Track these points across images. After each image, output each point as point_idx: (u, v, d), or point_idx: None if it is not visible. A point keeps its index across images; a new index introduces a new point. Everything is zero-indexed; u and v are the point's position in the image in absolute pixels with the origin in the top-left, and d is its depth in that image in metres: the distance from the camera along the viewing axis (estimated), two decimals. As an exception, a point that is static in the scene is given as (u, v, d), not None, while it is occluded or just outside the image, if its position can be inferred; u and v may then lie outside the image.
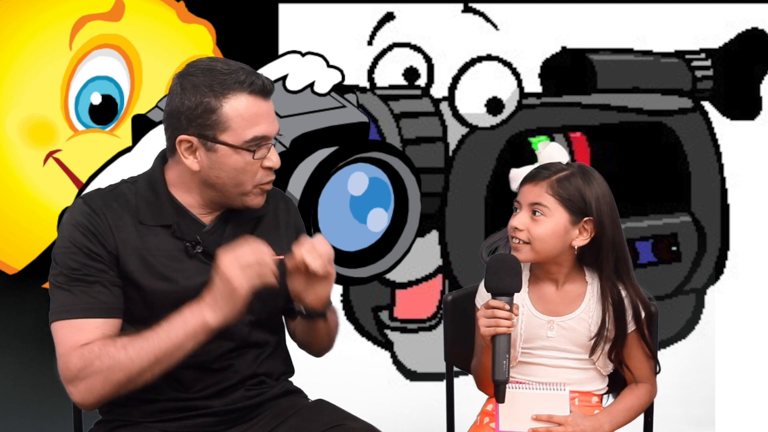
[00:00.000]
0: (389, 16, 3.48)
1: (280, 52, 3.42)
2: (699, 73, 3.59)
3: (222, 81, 2.16)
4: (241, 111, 2.16)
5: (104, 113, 3.35)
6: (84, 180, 3.33)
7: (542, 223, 2.33)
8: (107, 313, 2.17)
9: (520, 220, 2.35)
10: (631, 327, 2.40)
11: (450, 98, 3.51)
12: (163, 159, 2.28)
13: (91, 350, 2.12)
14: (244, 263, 2.11)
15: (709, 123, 3.63)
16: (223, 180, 2.20)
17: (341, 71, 3.44)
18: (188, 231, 2.23)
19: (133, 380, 2.14)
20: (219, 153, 2.18)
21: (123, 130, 3.36)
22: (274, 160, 2.22)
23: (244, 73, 2.18)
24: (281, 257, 2.24)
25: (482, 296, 2.41)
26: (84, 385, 2.14)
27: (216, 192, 2.22)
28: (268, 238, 2.27)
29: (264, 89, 2.19)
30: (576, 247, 2.36)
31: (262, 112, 2.19)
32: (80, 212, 2.20)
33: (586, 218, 2.34)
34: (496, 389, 2.26)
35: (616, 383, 2.49)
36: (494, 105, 3.51)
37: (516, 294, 2.29)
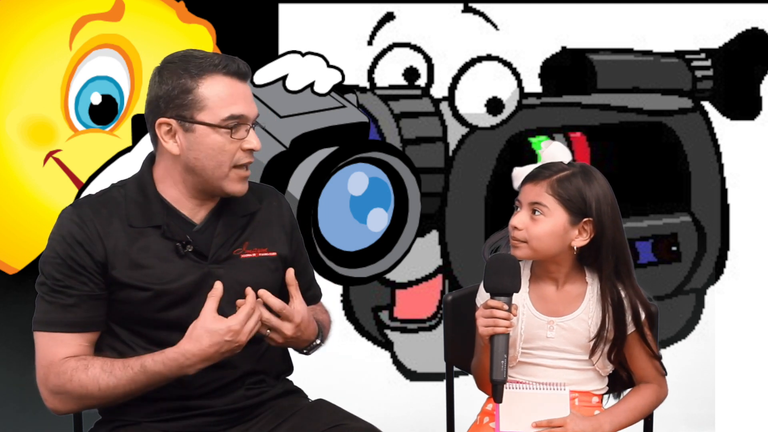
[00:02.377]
0: (389, 16, 3.47)
1: (280, 52, 3.42)
2: (699, 73, 3.59)
3: (198, 64, 2.20)
4: (216, 90, 2.19)
5: (104, 113, 3.35)
6: (84, 180, 3.33)
7: (541, 223, 2.33)
8: (85, 328, 2.20)
9: (519, 219, 2.35)
10: (630, 328, 2.40)
11: (450, 98, 3.51)
12: (151, 160, 2.29)
13: (65, 371, 2.16)
14: (224, 349, 2.14)
15: (709, 123, 3.63)
16: (203, 162, 2.20)
17: (341, 71, 3.44)
18: (178, 231, 2.23)
19: (104, 405, 2.22)
20: (197, 133, 2.19)
21: (123, 130, 3.36)
22: (254, 142, 2.22)
23: (219, 57, 2.22)
24: (273, 254, 2.26)
25: (483, 296, 2.41)
26: (58, 400, 2.19)
27: (197, 177, 2.22)
28: (260, 235, 2.29)
29: (239, 71, 2.22)
30: (575, 248, 2.36)
31: (238, 92, 2.21)
32: (69, 221, 2.23)
33: (585, 219, 2.34)
34: (494, 389, 2.26)
35: (616, 384, 2.49)
36: (494, 105, 3.51)
37: (516, 294, 2.29)
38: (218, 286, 2.16)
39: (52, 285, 2.19)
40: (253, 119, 2.23)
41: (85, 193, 3.25)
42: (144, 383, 2.16)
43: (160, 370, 2.14)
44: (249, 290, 2.17)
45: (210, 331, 2.13)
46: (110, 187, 2.30)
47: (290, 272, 2.24)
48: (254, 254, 2.29)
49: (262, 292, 2.19)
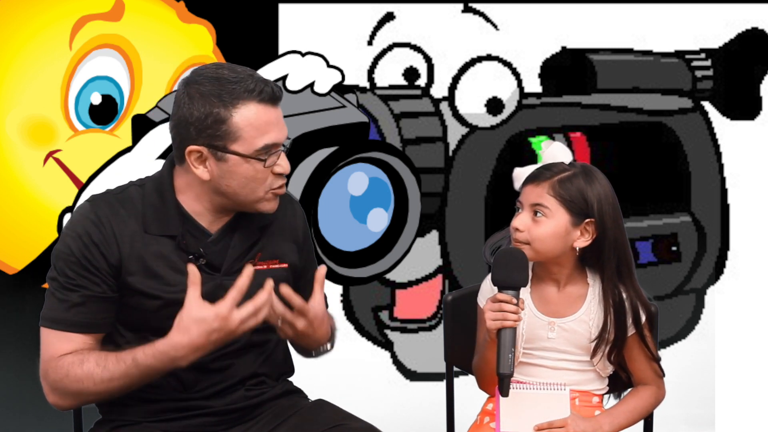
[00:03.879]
0: (389, 16, 3.47)
1: (280, 52, 3.42)
2: (699, 73, 3.59)
3: (231, 90, 2.14)
4: (251, 120, 2.15)
5: (104, 113, 3.35)
6: (84, 180, 3.33)
7: (543, 224, 2.33)
8: (91, 329, 2.18)
9: (521, 220, 2.35)
10: (631, 330, 2.40)
11: (450, 98, 3.51)
12: (171, 164, 2.25)
13: (62, 366, 2.15)
14: (213, 337, 2.10)
15: (709, 123, 3.63)
16: (234, 189, 2.18)
17: (341, 71, 3.44)
18: (193, 241, 2.21)
19: (103, 399, 2.19)
20: (230, 162, 2.16)
21: (123, 130, 3.35)
22: (284, 165, 2.20)
23: (253, 81, 2.16)
24: (285, 266, 2.25)
25: (485, 294, 2.40)
26: (58, 395, 2.18)
27: (227, 199, 2.21)
28: (272, 246, 2.29)
29: (273, 96, 2.17)
30: (577, 248, 2.36)
31: (271, 119, 2.17)
32: (86, 219, 2.19)
33: (587, 219, 2.34)
34: (500, 383, 2.26)
35: (617, 384, 2.49)
36: (494, 105, 3.51)
37: (523, 289, 2.29)
38: (193, 271, 2.10)
39: (63, 282, 2.17)
40: (283, 142, 2.21)
41: (86, 194, 3.25)
42: (138, 377, 2.13)
43: (151, 364, 2.11)
44: (269, 281, 2.13)
45: (197, 320, 2.08)
46: (129, 185, 2.27)
47: (322, 269, 2.22)
48: (265, 266, 2.26)
49: (285, 290, 2.16)
